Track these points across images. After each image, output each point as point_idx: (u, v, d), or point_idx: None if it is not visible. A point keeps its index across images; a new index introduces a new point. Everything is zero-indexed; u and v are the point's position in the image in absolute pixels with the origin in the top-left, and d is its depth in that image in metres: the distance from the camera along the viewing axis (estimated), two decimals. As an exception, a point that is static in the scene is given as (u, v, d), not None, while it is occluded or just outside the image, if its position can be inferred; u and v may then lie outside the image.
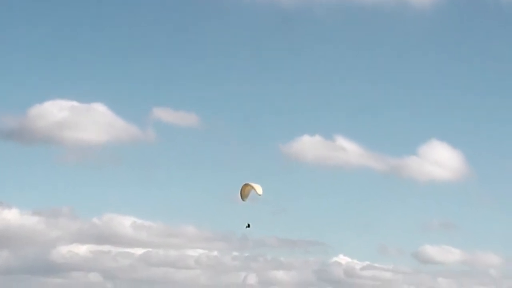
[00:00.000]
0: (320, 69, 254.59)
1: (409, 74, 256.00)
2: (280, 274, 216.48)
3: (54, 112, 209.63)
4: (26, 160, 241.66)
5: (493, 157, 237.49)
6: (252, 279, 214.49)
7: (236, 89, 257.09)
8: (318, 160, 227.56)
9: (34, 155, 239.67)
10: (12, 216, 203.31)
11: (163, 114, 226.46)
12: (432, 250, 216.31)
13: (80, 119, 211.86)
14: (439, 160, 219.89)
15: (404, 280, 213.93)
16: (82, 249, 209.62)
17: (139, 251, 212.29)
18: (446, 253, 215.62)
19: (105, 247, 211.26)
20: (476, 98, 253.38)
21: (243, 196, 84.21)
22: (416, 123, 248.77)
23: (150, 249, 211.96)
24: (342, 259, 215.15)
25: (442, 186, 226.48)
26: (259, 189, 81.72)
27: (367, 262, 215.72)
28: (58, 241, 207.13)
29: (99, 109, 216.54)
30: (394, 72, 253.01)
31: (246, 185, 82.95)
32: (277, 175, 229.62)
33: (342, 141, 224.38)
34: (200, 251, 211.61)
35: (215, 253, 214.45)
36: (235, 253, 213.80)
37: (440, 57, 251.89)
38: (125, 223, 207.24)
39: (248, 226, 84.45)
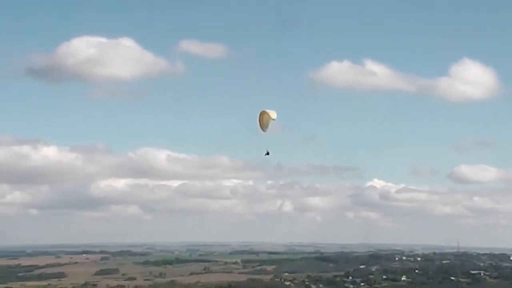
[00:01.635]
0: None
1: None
2: (315, 201, 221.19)
3: (82, 49, 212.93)
4: (57, 98, 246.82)
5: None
6: (288, 206, 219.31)
7: (263, 19, 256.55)
8: (347, 85, 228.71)
9: (65, 93, 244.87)
10: (50, 153, 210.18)
11: (191, 46, 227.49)
12: (467, 170, 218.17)
13: (109, 55, 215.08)
14: (472, 79, 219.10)
15: (440, 201, 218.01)
16: (120, 183, 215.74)
17: (175, 183, 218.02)
18: (482, 172, 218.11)
19: (142, 181, 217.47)
20: (507, 16, 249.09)
21: (263, 126, 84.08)
22: (447, 43, 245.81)
23: (186, 181, 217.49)
24: (377, 183, 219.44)
25: (475, 105, 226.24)
26: (273, 114, 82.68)
27: (402, 185, 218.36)
28: (96, 176, 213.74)
29: (127, 43, 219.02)
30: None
31: (262, 114, 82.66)
32: (307, 102, 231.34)
33: (371, 65, 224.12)
34: (235, 181, 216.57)
35: (250, 182, 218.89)
36: (269, 182, 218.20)
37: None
38: (160, 156, 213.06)
39: (267, 153, 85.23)
